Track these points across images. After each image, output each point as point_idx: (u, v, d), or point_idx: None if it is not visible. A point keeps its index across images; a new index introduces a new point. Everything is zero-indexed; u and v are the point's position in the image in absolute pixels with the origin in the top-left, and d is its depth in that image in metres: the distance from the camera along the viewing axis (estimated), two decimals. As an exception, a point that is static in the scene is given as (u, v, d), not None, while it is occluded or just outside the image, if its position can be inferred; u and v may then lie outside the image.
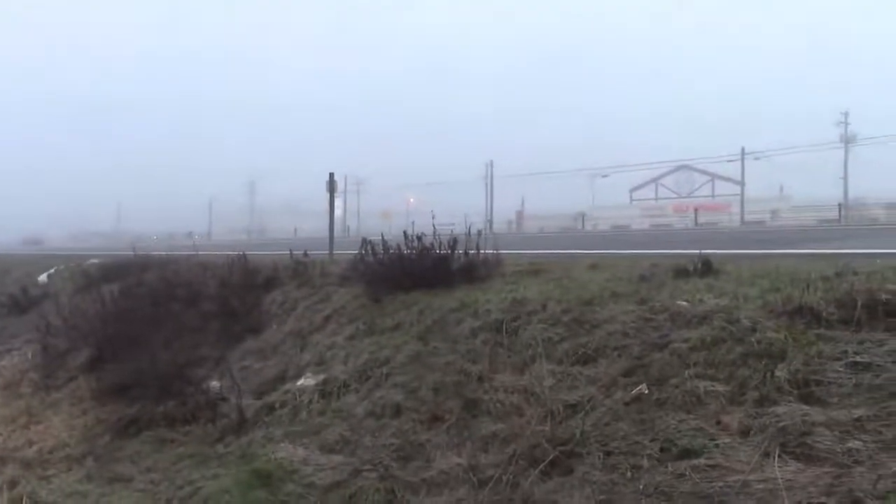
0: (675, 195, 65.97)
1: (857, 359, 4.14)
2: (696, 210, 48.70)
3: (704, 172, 65.02)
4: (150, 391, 7.66)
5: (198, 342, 8.66)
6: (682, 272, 6.20)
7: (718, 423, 4.13)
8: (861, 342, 4.28)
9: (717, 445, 3.96)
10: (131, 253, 14.45)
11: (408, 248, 8.01)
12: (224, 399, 7.23)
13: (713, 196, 62.78)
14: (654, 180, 67.56)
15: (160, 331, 8.62)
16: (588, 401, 4.74)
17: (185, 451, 6.60)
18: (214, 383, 7.65)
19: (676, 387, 4.48)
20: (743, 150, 56.38)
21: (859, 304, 4.57)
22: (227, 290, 9.62)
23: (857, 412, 3.74)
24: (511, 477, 4.47)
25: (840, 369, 4.11)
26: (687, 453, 3.98)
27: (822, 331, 4.54)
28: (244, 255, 10.70)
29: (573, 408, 4.77)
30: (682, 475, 3.85)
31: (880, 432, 3.58)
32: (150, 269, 12.45)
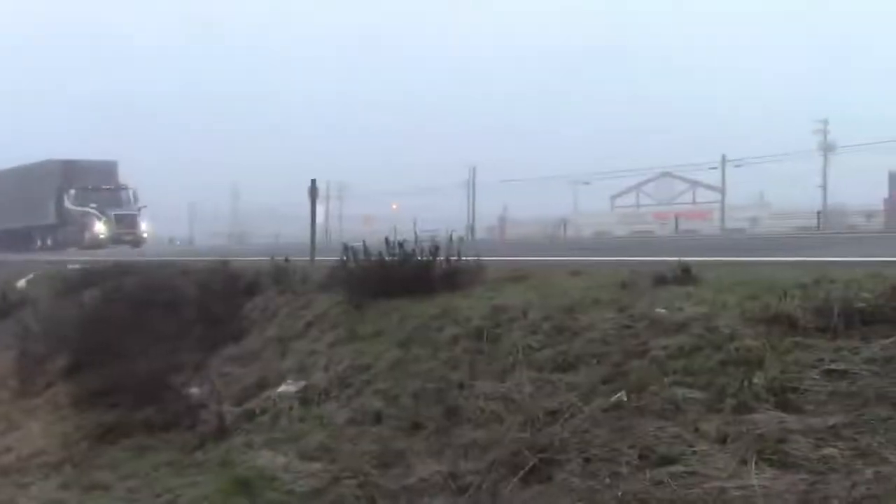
0: (656, 202, 66.32)
1: (833, 366, 4.18)
2: (676, 217, 48.97)
3: (685, 180, 65.43)
4: (129, 398, 7.63)
5: (177, 348, 8.63)
6: (661, 280, 6.23)
7: (696, 430, 4.17)
8: (837, 350, 4.33)
9: (695, 452, 3.99)
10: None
11: (389, 254, 8.02)
12: (204, 406, 7.21)
13: (694, 203, 63.15)
14: (636, 187, 67.90)
15: (140, 337, 8.58)
16: (568, 408, 4.76)
17: (164, 458, 6.57)
18: (194, 390, 7.63)
19: (655, 394, 4.51)
20: (724, 157, 56.78)
21: (836, 312, 4.62)
22: (207, 296, 9.59)
23: (833, 419, 3.78)
24: (491, 484, 4.48)
25: (816, 377, 4.16)
26: (665, 460, 4.00)
27: (799, 339, 4.58)
28: (225, 261, 10.67)
29: (553, 415, 4.79)
30: (660, 482, 3.87)
31: (855, 439, 3.62)
32: (130, 275, 12.38)
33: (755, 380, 4.27)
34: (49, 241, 41.53)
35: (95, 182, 41.12)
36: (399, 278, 7.70)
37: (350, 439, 5.71)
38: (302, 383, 6.91)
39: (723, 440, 4.01)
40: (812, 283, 5.33)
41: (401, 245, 8.02)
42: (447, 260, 7.74)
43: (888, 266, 5.95)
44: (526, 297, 6.56)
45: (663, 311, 5.41)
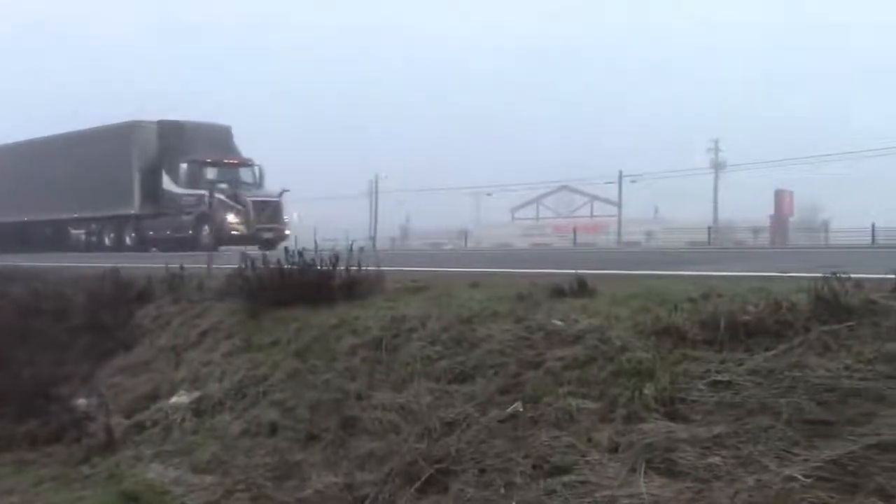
0: (555, 215, 67.58)
1: (719, 378, 4.33)
2: (575, 230, 49.93)
3: (584, 193, 66.90)
4: (10, 410, 7.29)
5: (65, 358, 8.31)
6: (558, 292, 6.34)
7: (589, 439, 4.25)
8: (723, 361, 4.48)
9: (587, 462, 4.06)
10: None
11: (288, 262, 7.92)
12: (91, 418, 6.96)
13: (592, 216, 64.56)
14: (536, 200, 69.03)
15: (24, 346, 8.24)
16: (464, 419, 4.79)
17: (47, 472, 6.31)
18: (81, 401, 7.35)
19: (550, 404, 4.59)
20: (620, 172, 58.23)
21: (722, 324, 4.78)
22: (97, 304, 9.27)
23: (718, 429, 3.91)
24: (387, 495, 4.47)
25: (703, 388, 4.30)
26: (558, 470, 4.07)
27: (687, 350, 4.73)
28: (116, 268, 10.35)
29: (450, 425, 4.81)
30: (553, 491, 3.93)
31: (738, 448, 3.75)
32: (15, 281, 11.87)
33: (645, 390, 4.39)
34: (127, 239, 29.82)
35: (213, 154, 28.79)
36: (298, 287, 7.62)
37: (244, 451, 5.61)
38: (195, 394, 6.76)
39: (614, 449, 4.10)
40: (700, 296, 5.51)
41: (300, 254, 7.93)
42: (347, 269, 7.69)
43: (771, 280, 6.20)
44: (425, 307, 6.58)
45: (559, 322, 5.50)
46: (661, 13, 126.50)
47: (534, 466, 4.16)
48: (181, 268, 9.93)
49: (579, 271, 6.83)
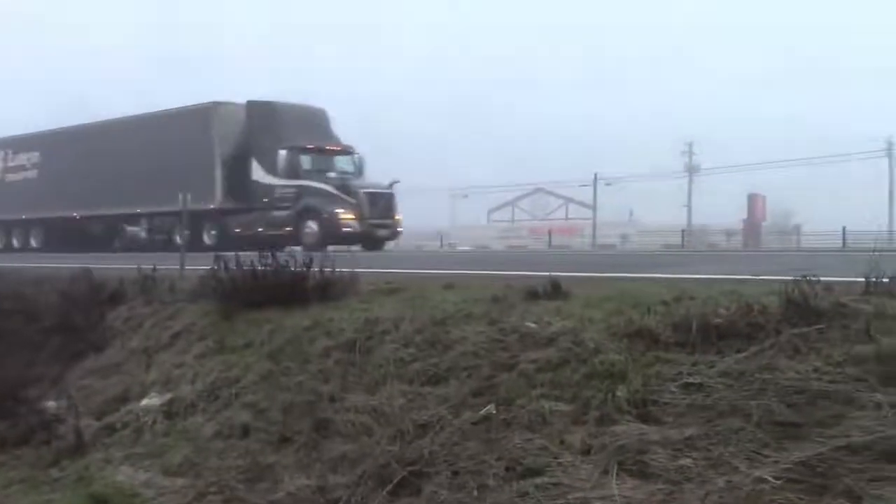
0: (530, 217, 67.82)
1: (691, 380, 4.35)
2: (550, 232, 50.13)
3: (559, 196, 67.20)
4: (-22, 412, 7.19)
5: (34, 359, 8.21)
6: (532, 294, 6.35)
7: (562, 442, 4.26)
8: (694, 364, 4.51)
9: (560, 464, 4.08)
10: None
11: (262, 264, 7.87)
12: (60, 420, 6.87)
13: (567, 219, 64.86)
14: (512, 202, 69.24)
15: (-8, 347, 8.13)
16: (438, 421, 4.79)
17: (15, 475, 6.23)
18: (51, 403, 7.25)
19: (523, 407, 4.59)
20: (596, 175, 58.57)
21: (694, 327, 4.82)
22: (68, 305, 9.16)
23: (689, 431, 3.94)
24: (360, 498, 4.46)
25: (675, 390, 4.32)
26: (531, 472, 4.08)
27: (660, 353, 4.75)
28: (88, 269, 10.24)
29: (423, 428, 4.81)
30: (525, 493, 3.94)
31: (709, 450, 3.78)
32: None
33: (618, 393, 4.41)
34: (206, 237, 25.29)
35: (312, 139, 24.96)
36: (271, 289, 7.57)
37: (217, 454, 5.58)
38: (167, 396, 6.70)
39: (587, 451, 4.11)
40: (673, 299, 5.54)
41: (273, 255, 7.89)
42: (321, 271, 7.66)
43: (743, 284, 6.25)
44: (399, 309, 6.57)
45: (533, 325, 5.51)
46: (639, 15, 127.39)
47: (507, 468, 4.16)
48: (153, 269, 9.85)
49: (553, 274, 6.85)
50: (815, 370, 4.13)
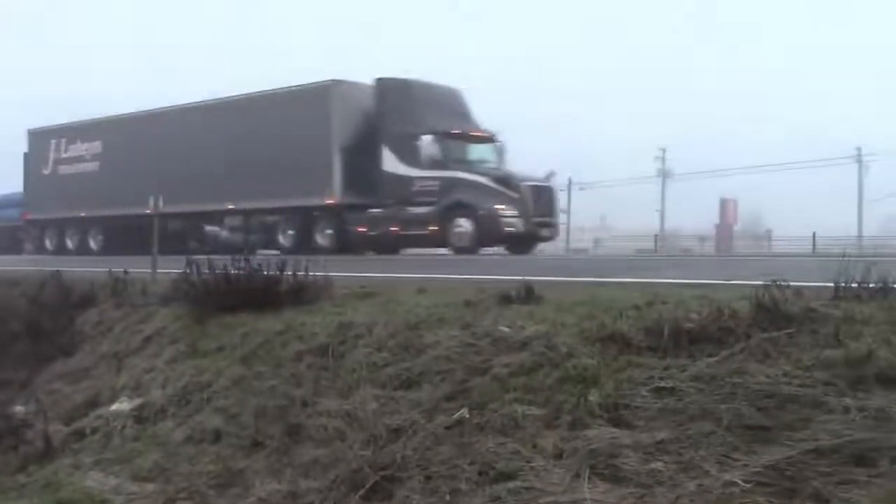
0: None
1: (662, 384, 4.37)
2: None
3: (534, 200, 67.22)
4: (-56, 418, 7.09)
5: (1, 364, 8.12)
6: (505, 298, 6.36)
7: (534, 446, 4.26)
8: (666, 368, 4.53)
9: (532, 468, 4.08)
10: None
11: (235, 267, 7.82)
12: (28, 425, 6.79)
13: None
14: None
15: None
16: (410, 425, 4.78)
17: (-18, 481, 6.14)
18: (19, 408, 7.18)
19: (496, 411, 4.59)
20: (570, 180, 58.75)
21: (666, 331, 4.84)
22: (37, 309, 9.06)
23: (660, 435, 3.95)
24: (332, 503, 4.44)
25: (647, 394, 4.34)
26: (504, 476, 4.07)
27: (632, 357, 4.77)
28: (58, 272, 10.14)
29: (396, 432, 4.79)
30: (498, 498, 3.94)
31: (680, 454, 3.80)
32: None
33: (590, 397, 4.42)
34: (318, 238, 22.03)
35: (456, 124, 21.56)
36: (244, 293, 7.54)
37: (187, 459, 5.53)
38: (137, 401, 6.64)
39: (559, 456, 4.12)
40: (645, 304, 5.57)
41: (247, 259, 7.85)
42: (294, 275, 7.63)
43: (715, 288, 6.30)
44: (372, 313, 6.55)
45: (506, 329, 5.52)
46: (617, 18, 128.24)
47: (479, 473, 4.16)
48: (125, 272, 9.77)
49: (527, 278, 6.86)
50: (785, 374, 4.16)
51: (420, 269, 11.81)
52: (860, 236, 46.44)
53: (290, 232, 22.81)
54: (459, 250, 19.36)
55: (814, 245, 32.16)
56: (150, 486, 5.32)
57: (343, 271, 9.24)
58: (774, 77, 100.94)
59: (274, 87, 23.41)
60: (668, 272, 9.93)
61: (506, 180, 20.44)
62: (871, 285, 5.38)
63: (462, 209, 20.20)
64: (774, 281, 5.11)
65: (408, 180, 21.01)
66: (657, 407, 4.22)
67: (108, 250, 25.25)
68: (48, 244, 28.96)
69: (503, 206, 19.93)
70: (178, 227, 24.60)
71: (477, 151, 21.78)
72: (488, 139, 22.24)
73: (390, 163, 21.31)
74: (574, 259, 20.29)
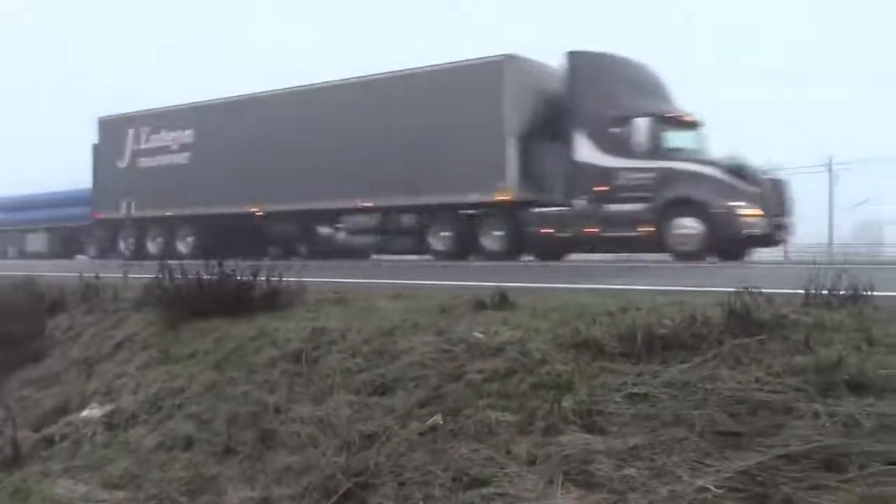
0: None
1: (635, 390, 4.39)
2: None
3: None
4: None
5: (-32, 370, 8.00)
6: (480, 304, 6.38)
7: (508, 452, 4.26)
8: (639, 374, 4.55)
9: (506, 474, 4.07)
10: None
11: (208, 272, 7.77)
12: (-4, 432, 6.70)
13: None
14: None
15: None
16: (384, 431, 4.76)
17: (-52, 490, 6.05)
18: (-13, 415, 7.07)
19: (469, 417, 4.58)
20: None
21: (639, 337, 4.87)
22: (5, 315, 8.95)
23: (634, 441, 3.96)
24: (304, 510, 4.41)
25: (620, 400, 4.35)
26: (477, 482, 4.06)
27: (605, 363, 4.79)
28: (29, 277, 10.03)
29: (369, 438, 4.77)
30: (471, 504, 3.93)
31: (653, 459, 3.81)
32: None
33: (564, 403, 4.42)
34: (486, 241, 19.15)
35: (665, 107, 18.59)
36: (217, 298, 7.49)
37: (159, 465, 5.47)
38: (108, 407, 6.57)
39: (532, 462, 4.12)
40: (619, 310, 5.60)
41: (220, 264, 7.80)
42: (267, 280, 7.59)
43: (688, 294, 6.33)
44: (346, 319, 6.53)
45: (480, 335, 5.52)
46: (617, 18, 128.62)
47: (453, 479, 4.14)
48: (97, 277, 9.67)
49: (501, 284, 6.87)
50: (757, 380, 4.19)
51: (394, 275, 11.77)
52: (831, 244, 46.90)
53: (445, 234, 19.74)
54: (683, 255, 16.71)
55: (785, 252, 32.46)
56: (120, 494, 5.25)
57: (316, 276, 9.21)
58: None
59: (424, 65, 19.84)
60: (642, 278, 10.00)
61: (741, 172, 17.00)
62: (841, 292, 5.45)
63: (688, 206, 16.96)
64: (746, 288, 5.16)
65: (610, 172, 17.85)
66: (630, 413, 4.23)
67: (200, 254, 21.46)
68: (122, 247, 25.69)
69: (743, 204, 16.71)
70: (286, 230, 22.68)
71: (688, 138, 18.43)
72: (697, 124, 18.95)
73: (586, 151, 18.06)
74: (550, 265, 18.91)
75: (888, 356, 4.26)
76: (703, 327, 4.86)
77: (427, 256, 20.12)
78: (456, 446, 4.39)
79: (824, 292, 5.45)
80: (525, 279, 9.59)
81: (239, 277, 7.59)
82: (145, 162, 25.16)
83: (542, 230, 18.45)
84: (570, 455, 3.99)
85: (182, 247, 23.78)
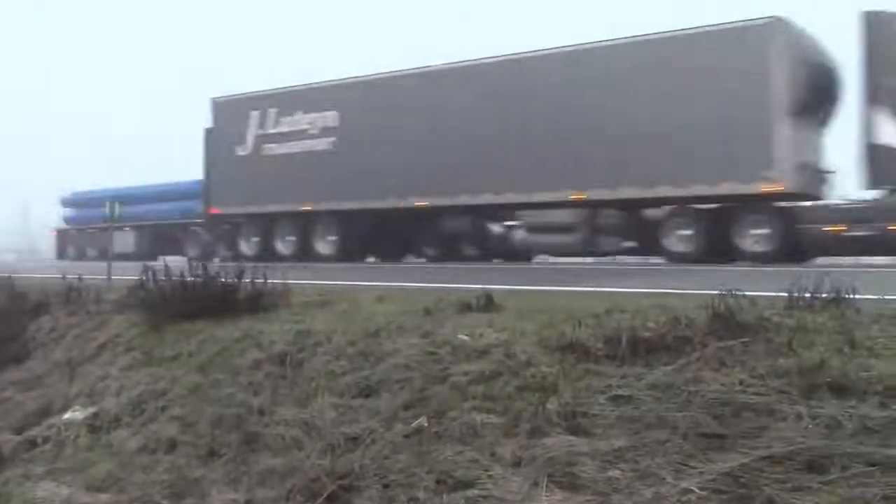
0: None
1: (620, 392, 4.40)
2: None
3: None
4: None
5: (-51, 373, 7.93)
6: (465, 306, 6.38)
7: (493, 454, 4.26)
8: (624, 376, 4.56)
9: (490, 476, 4.07)
10: None
11: (192, 274, 7.74)
12: (-22, 434, 6.65)
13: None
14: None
15: None
16: (369, 434, 4.74)
17: (-72, 493, 5.99)
18: (-32, 418, 7.02)
19: (454, 419, 4.58)
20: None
21: (624, 340, 4.88)
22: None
23: (618, 443, 3.98)
24: (288, 512, 4.39)
25: (604, 402, 4.36)
26: (462, 485, 4.06)
27: (590, 365, 4.80)
28: (10, 278, 9.94)
29: (354, 441, 4.75)
30: (456, 506, 3.92)
31: (637, 461, 3.82)
32: None
33: (549, 405, 4.42)
34: (741, 241, 15.99)
35: None
36: (201, 300, 7.45)
37: (142, 468, 5.44)
38: (91, 409, 6.52)
39: (517, 464, 4.12)
40: (604, 312, 5.61)
41: (204, 266, 7.77)
42: (252, 282, 7.56)
43: (672, 297, 6.37)
44: (331, 321, 6.52)
45: (465, 337, 5.51)
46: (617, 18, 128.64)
47: (437, 481, 4.14)
48: (80, 278, 9.61)
49: (486, 286, 6.88)
50: (740, 383, 4.22)
51: (380, 277, 11.74)
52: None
53: (685, 232, 16.60)
54: None
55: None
56: (103, 497, 5.22)
57: (300, 279, 9.19)
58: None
59: (658, 31, 16.64)
60: (627, 281, 10.03)
61: None
62: (823, 295, 5.49)
63: None
64: (730, 291, 5.18)
65: None
66: (615, 415, 4.24)
67: (346, 255, 20.28)
68: (244, 246, 22.41)
69: None
70: (453, 227, 19.76)
71: None
72: None
73: (891, 133, 14.95)
74: (534, 267, 18.49)
75: (870, 359, 4.29)
76: (687, 330, 4.89)
77: (655, 259, 17.64)
78: (441, 448, 4.39)
79: (807, 295, 5.48)
80: (510, 281, 9.59)
81: (223, 279, 7.56)
82: (274, 149, 21.69)
83: (825, 228, 15.28)
84: (554, 457, 3.99)
85: (323, 247, 21.09)
